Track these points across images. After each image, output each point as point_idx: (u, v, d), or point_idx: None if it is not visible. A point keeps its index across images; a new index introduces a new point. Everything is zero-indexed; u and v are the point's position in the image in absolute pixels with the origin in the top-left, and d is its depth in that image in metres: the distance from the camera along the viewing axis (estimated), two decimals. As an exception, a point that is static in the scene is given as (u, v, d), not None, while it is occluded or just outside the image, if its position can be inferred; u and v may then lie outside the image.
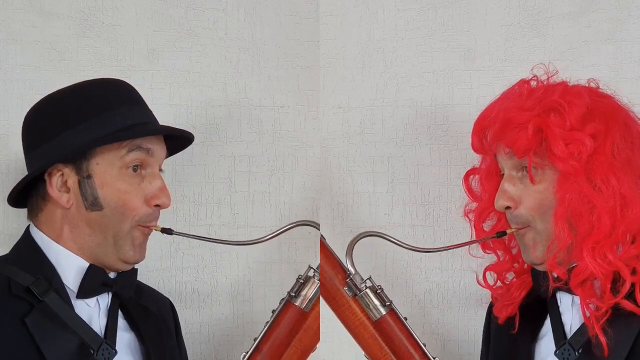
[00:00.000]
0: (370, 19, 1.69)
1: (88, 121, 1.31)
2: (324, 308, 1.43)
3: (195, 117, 1.68)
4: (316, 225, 1.43)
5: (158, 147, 1.36)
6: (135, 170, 1.33)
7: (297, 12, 1.70)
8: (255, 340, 1.42)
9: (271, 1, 1.70)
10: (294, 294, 1.42)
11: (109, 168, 1.31)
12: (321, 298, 1.42)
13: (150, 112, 1.39)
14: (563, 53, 1.63)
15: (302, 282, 1.42)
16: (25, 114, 1.39)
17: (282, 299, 1.43)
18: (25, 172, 1.36)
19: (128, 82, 1.40)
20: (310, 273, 1.42)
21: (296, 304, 1.42)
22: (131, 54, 1.67)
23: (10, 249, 1.38)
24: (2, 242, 1.59)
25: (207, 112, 1.69)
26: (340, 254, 1.43)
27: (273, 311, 1.43)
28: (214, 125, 1.69)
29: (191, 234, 1.45)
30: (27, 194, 1.36)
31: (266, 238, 1.41)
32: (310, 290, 1.42)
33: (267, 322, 1.43)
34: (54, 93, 1.37)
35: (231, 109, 1.69)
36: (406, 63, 1.69)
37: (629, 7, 1.63)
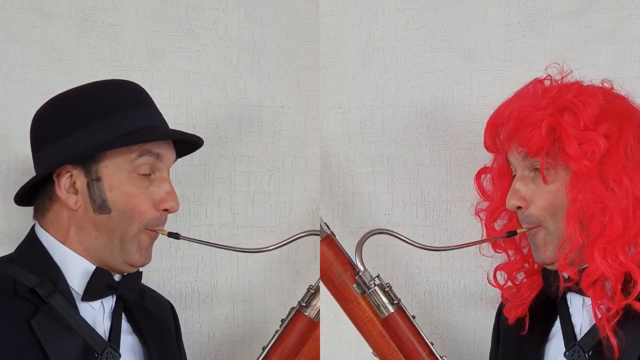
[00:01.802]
0: (370, 19, 1.69)
1: (98, 123, 1.29)
2: (324, 308, 1.43)
3: (195, 117, 1.68)
4: (318, 233, 1.43)
5: (168, 152, 1.36)
6: (144, 174, 1.32)
7: (297, 12, 1.70)
8: (264, 349, 1.42)
9: (271, 1, 1.70)
10: (304, 304, 1.42)
11: (118, 171, 1.31)
12: (322, 297, 1.42)
13: (160, 114, 1.38)
14: (563, 53, 1.63)
15: (312, 293, 1.42)
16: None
17: (292, 308, 1.43)
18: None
19: (129, 82, 1.40)
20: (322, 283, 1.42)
21: (306, 313, 1.42)
22: (131, 54, 1.66)
23: (14, 249, 1.37)
24: (2, 242, 1.59)
25: (207, 112, 1.69)
26: (341, 253, 1.44)
27: (282, 320, 1.43)
28: (214, 125, 1.69)
29: (198, 239, 1.44)
30: (34, 193, 1.35)
31: (272, 247, 1.41)
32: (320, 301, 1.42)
33: (276, 331, 1.43)
34: (63, 93, 1.35)
35: (231, 109, 1.69)
36: (406, 63, 1.69)
37: (629, 7, 1.63)
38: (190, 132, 1.42)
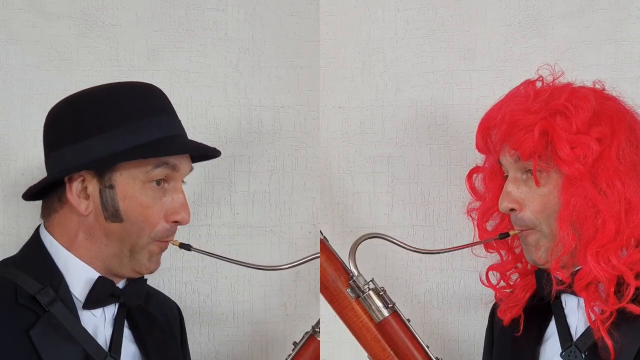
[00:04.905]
0: (370, 19, 1.69)
1: (116, 129, 1.26)
2: (324, 308, 1.43)
3: (195, 117, 1.68)
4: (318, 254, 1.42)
5: (184, 163, 1.32)
6: (158, 183, 1.29)
7: (297, 12, 1.70)
8: None
9: (271, 1, 1.70)
10: (318, 329, 1.43)
11: (132, 180, 1.27)
12: (321, 298, 1.42)
13: (179, 122, 1.34)
14: (563, 53, 1.63)
15: None
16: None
17: (306, 333, 1.44)
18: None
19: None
20: None
21: (319, 338, 1.42)
22: (131, 54, 1.66)
23: (13, 249, 1.35)
24: (2, 242, 1.59)
25: (207, 112, 1.69)
26: (341, 253, 1.43)
27: (294, 343, 1.44)
28: (214, 125, 1.69)
29: (210, 252, 1.40)
30: (43, 191, 1.31)
31: (285, 267, 1.40)
32: None
33: (288, 355, 1.43)
34: (81, 92, 1.32)
35: (231, 109, 1.70)
36: (406, 63, 1.69)
37: (629, 7, 1.63)
38: (216, 149, 1.38)
